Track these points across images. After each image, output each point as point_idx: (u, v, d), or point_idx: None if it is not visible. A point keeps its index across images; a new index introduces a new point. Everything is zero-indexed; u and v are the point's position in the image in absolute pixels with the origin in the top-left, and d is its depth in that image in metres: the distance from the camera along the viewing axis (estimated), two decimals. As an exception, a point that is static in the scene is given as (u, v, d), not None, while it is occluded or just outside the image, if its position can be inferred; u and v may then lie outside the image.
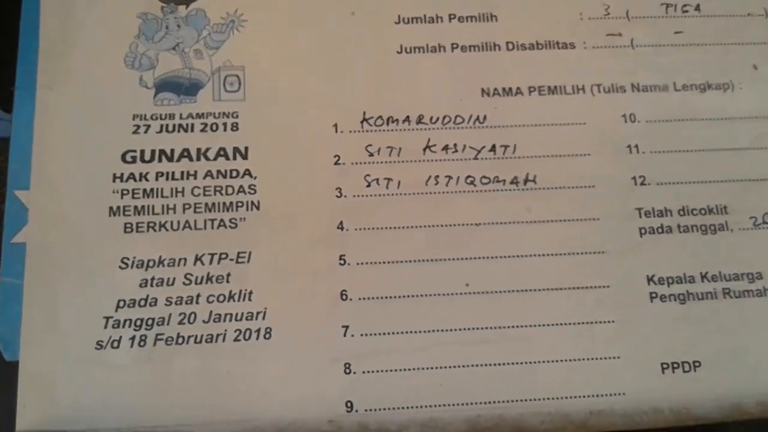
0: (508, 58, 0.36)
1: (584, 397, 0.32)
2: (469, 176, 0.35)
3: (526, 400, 0.32)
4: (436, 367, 0.32)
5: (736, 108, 0.36)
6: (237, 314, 0.32)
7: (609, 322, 0.33)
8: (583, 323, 0.33)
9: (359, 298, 0.33)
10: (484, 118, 0.35)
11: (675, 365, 0.33)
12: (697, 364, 0.33)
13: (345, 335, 0.32)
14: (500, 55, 0.36)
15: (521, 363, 0.32)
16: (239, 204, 0.34)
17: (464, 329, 0.33)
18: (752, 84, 0.37)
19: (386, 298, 0.33)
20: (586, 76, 0.36)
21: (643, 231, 0.34)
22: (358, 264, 0.33)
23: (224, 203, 0.33)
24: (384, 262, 0.33)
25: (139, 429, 0.30)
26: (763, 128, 0.36)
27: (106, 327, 0.32)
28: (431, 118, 0.35)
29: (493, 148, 0.35)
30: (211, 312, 0.32)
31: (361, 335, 0.32)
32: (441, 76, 0.36)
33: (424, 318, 0.33)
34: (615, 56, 0.37)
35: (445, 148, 0.35)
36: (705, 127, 0.36)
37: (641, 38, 0.37)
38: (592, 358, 0.33)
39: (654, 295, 0.34)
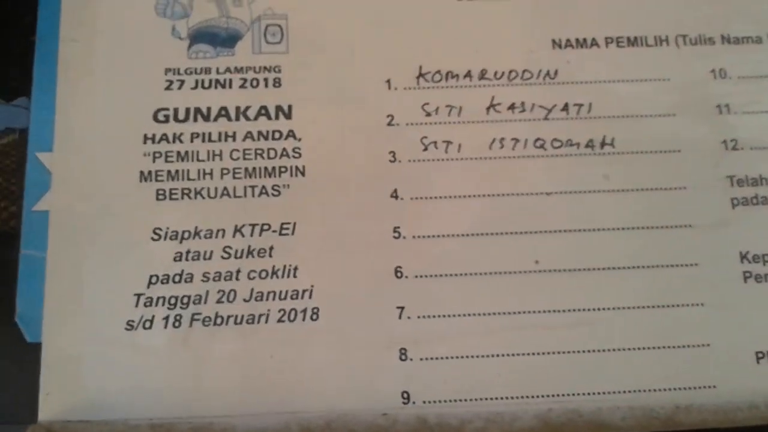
0: (582, 5, 0.33)
1: (670, 390, 0.29)
2: (538, 139, 0.32)
3: (603, 393, 0.29)
4: (503, 355, 0.29)
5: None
6: (281, 292, 0.29)
7: (697, 305, 0.30)
8: (667, 306, 0.30)
9: (416, 276, 0.30)
10: (556, 73, 0.33)
11: (771, 354, 0.29)
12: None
13: (400, 317, 0.29)
14: (574, 2, 0.33)
15: (598, 351, 0.29)
16: (282, 169, 0.31)
17: (533, 312, 0.30)
18: None
19: (446, 276, 0.30)
20: (671, 25, 0.33)
21: (735, 202, 0.31)
22: (414, 237, 0.30)
23: (266, 168, 0.31)
24: (443, 236, 0.30)
25: (173, 420, 0.28)
26: None
27: (137, 305, 0.29)
28: (495, 73, 0.32)
29: (565, 107, 0.32)
30: (252, 290, 0.29)
31: (419, 317, 0.29)
32: (507, 26, 0.33)
33: (489, 299, 0.29)
34: (703, 2, 0.33)
35: (512, 107, 0.32)
36: (807, 84, 0.32)
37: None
38: (678, 346, 0.29)
39: (748, 274, 0.30)
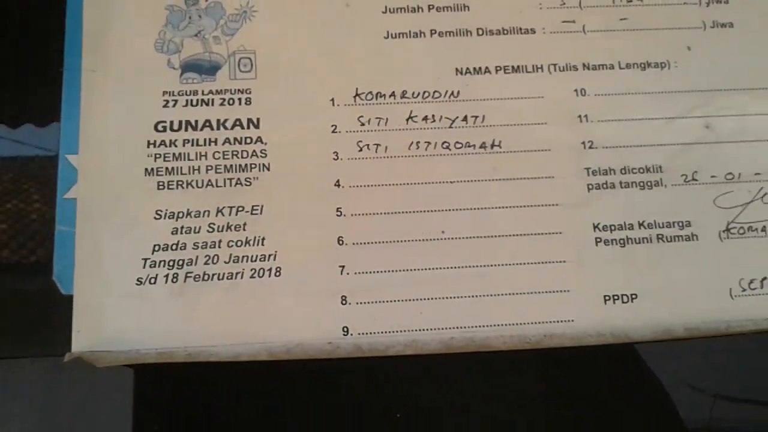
0: (478, 42, 0.41)
1: (540, 323, 0.37)
2: (444, 142, 0.39)
3: (491, 326, 0.37)
4: (417, 299, 0.37)
5: (671, 84, 0.41)
6: (252, 256, 0.37)
7: (561, 262, 0.38)
8: (540, 263, 0.38)
9: (353, 243, 0.38)
10: (458, 93, 0.40)
11: (615, 297, 0.38)
12: (634, 296, 0.38)
13: (341, 273, 0.37)
14: (471, 40, 0.41)
15: (488, 295, 0.37)
16: (253, 165, 0.38)
17: (441, 268, 0.37)
18: (685, 63, 0.41)
19: (376, 243, 0.38)
20: (544, 57, 0.41)
21: (590, 187, 0.39)
22: (352, 215, 0.38)
23: (240, 165, 0.38)
24: (374, 213, 0.38)
25: (173, 348, 0.35)
26: (693, 101, 0.41)
27: (144, 267, 0.37)
28: (413, 93, 0.40)
29: (465, 119, 0.40)
30: (230, 255, 0.37)
31: (355, 273, 0.37)
32: (421, 58, 0.41)
33: (407, 259, 0.37)
34: (569, 40, 0.41)
35: (425, 118, 0.40)
36: (644, 100, 0.41)
37: (592, 24, 0.42)
38: (547, 292, 0.37)
39: (599, 239, 0.38)
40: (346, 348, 0.36)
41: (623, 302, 0.37)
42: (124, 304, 0.36)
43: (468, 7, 0.41)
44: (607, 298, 0.38)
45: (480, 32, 0.41)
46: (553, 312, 0.37)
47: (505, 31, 0.41)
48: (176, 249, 0.37)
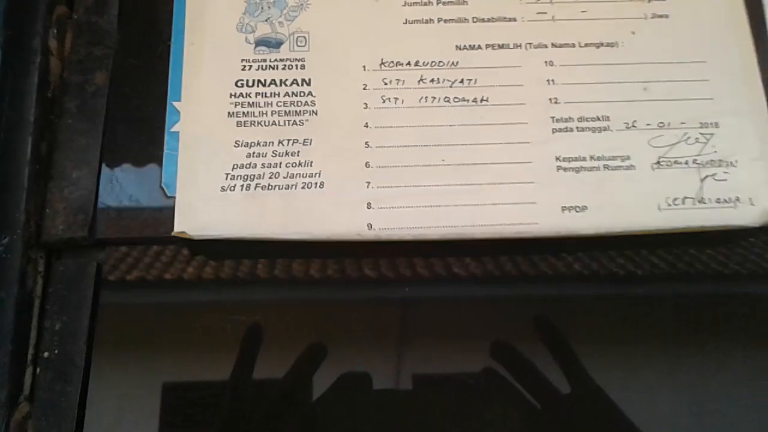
0: (473, 27, 0.54)
1: (513, 224, 0.50)
2: (446, 97, 0.52)
3: (477, 225, 0.50)
4: (423, 206, 0.50)
5: (619, 58, 0.54)
6: (303, 174, 0.50)
7: (530, 182, 0.51)
8: (514, 183, 0.50)
9: (377, 166, 0.50)
10: (457, 63, 0.53)
11: (570, 208, 0.50)
12: (585, 207, 0.50)
13: (367, 187, 0.50)
14: (468, 25, 0.54)
15: (475, 205, 0.50)
16: (305, 111, 0.52)
17: (441, 185, 0.50)
18: (630, 44, 0.54)
19: (393, 167, 0.51)
20: (522, 38, 0.54)
21: (554, 130, 0.52)
22: (376, 147, 0.51)
23: (296, 110, 0.52)
24: (392, 146, 0.51)
25: (247, 235, 0.49)
26: (635, 71, 0.53)
27: (225, 179, 0.50)
28: (423, 63, 0.53)
29: (461, 81, 0.53)
30: (288, 172, 0.50)
31: (377, 187, 0.50)
32: (430, 38, 0.54)
33: (416, 178, 0.50)
34: (541, 26, 0.54)
35: (432, 80, 0.53)
36: (598, 69, 0.54)
37: (559, 15, 0.55)
38: (519, 203, 0.50)
39: (559, 167, 0.51)
40: (369, 237, 0.49)
41: (576, 212, 0.50)
42: (211, 205, 0.49)
43: (467, 2, 0.55)
44: (564, 208, 0.50)
45: (474, 20, 0.54)
46: (523, 217, 0.50)
47: (493, 19, 0.55)
48: (249, 168, 0.50)
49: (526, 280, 0.50)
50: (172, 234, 0.48)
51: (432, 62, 0.53)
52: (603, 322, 0.50)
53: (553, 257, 0.50)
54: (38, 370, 0.46)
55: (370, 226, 0.49)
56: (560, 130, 0.52)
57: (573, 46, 0.54)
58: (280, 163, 0.50)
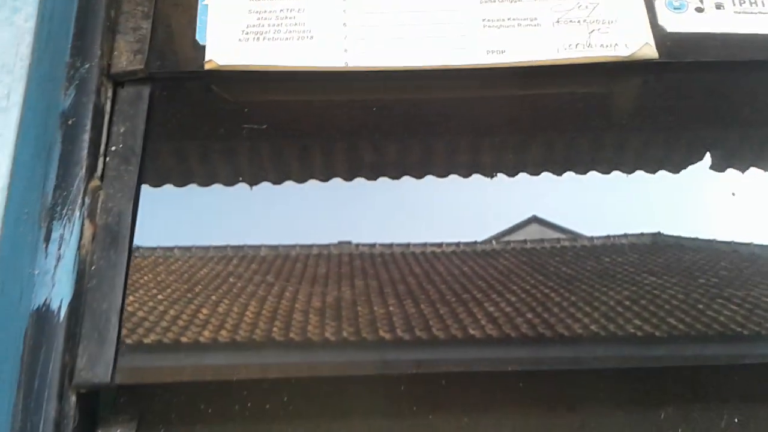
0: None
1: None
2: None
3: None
4: (394, 41, 0.69)
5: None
6: (298, 30, 0.70)
7: (463, 35, 0.70)
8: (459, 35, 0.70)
9: (355, 26, 0.70)
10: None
11: (493, 51, 0.69)
12: (503, 51, 0.69)
13: (345, 39, 0.70)
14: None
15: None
16: None
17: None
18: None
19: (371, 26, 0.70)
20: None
21: (482, 1, 0.72)
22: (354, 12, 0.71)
23: None
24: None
25: (256, 64, 0.68)
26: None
27: (242, 34, 0.69)
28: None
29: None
30: (287, 29, 0.70)
31: (355, 39, 0.70)
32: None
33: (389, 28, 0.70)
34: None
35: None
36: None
37: None
38: (459, 48, 0.69)
39: (485, 25, 0.71)
40: (345, 68, 0.68)
41: (497, 53, 0.69)
42: (232, 48, 0.68)
43: None
44: (488, 51, 0.69)
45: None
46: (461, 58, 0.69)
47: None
48: (258, 26, 0.69)
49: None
50: (205, 67, 0.66)
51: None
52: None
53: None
54: (107, 159, 0.64)
55: (346, 63, 0.68)
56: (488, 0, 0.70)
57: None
58: (281, 23, 0.69)
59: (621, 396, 0.58)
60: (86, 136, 0.63)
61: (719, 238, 0.61)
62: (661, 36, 0.69)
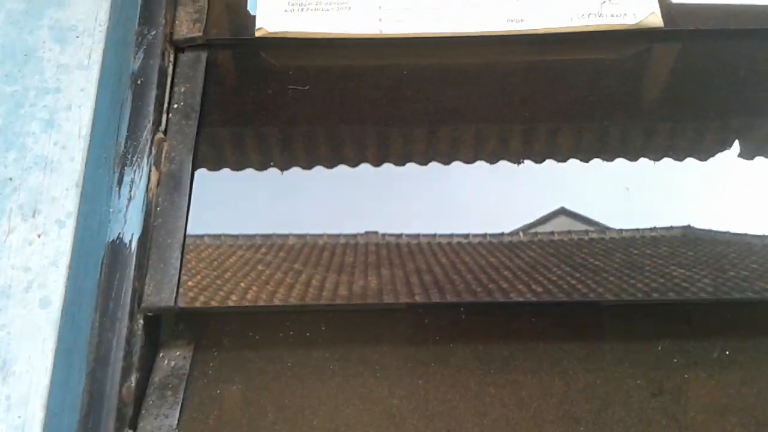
0: None
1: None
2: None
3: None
4: (425, 11, 0.76)
5: None
6: (338, 2, 0.77)
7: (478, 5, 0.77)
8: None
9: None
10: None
11: (512, 20, 0.76)
12: (522, 20, 0.76)
13: (380, 9, 0.77)
14: None
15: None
16: None
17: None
18: None
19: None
20: None
21: None
22: None
23: None
24: None
25: (301, 31, 0.75)
26: None
27: (288, 5, 0.77)
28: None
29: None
30: (329, 2, 0.77)
31: (388, 9, 0.77)
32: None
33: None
34: None
35: None
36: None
37: None
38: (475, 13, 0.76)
39: None
40: (379, 35, 0.75)
41: (516, 22, 0.76)
42: (279, 17, 0.76)
43: None
44: (508, 20, 0.76)
45: None
46: (481, 24, 0.76)
47: None
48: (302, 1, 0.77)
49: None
50: (255, 34, 0.74)
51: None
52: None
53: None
54: (170, 115, 0.73)
55: (380, 31, 0.75)
56: None
57: None
58: (324, -4, 0.77)
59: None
60: (152, 95, 0.71)
61: (750, 232, 0.60)
62: (666, 6, 0.75)
